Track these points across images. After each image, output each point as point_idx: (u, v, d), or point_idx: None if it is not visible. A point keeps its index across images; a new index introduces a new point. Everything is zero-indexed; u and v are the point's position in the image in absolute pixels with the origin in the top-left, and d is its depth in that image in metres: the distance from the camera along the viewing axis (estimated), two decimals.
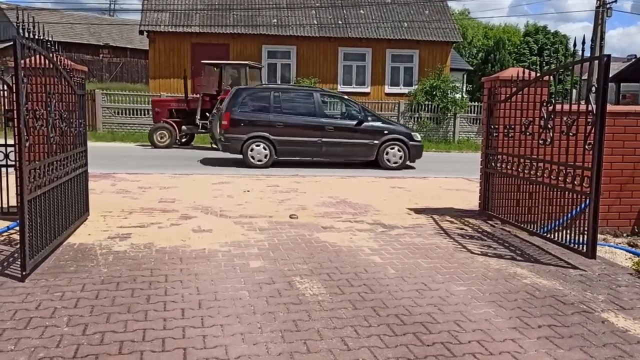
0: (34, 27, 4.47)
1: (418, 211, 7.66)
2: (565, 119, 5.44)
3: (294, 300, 4.10)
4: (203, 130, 17.13)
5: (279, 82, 23.81)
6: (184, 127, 17.27)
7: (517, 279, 4.79)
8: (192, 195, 8.41)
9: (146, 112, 21.36)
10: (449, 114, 22.99)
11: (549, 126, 5.68)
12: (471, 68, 35.13)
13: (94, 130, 20.85)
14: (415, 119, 22.94)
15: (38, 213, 4.56)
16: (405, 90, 23.97)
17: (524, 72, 6.37)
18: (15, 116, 4.14)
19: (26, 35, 4.38)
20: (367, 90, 24.26)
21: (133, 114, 21.65)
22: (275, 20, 23.87)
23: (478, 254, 5.52)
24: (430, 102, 22.81)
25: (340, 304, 4.06)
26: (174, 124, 17.15)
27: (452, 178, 11.56)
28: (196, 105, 17.21)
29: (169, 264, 4.86)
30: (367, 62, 24.34)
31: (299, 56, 23.84)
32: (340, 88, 23.98)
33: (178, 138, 17.42)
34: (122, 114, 21.63)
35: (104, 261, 4.87)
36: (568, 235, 5.45)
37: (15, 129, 4.16)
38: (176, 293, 4.17)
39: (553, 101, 5.77)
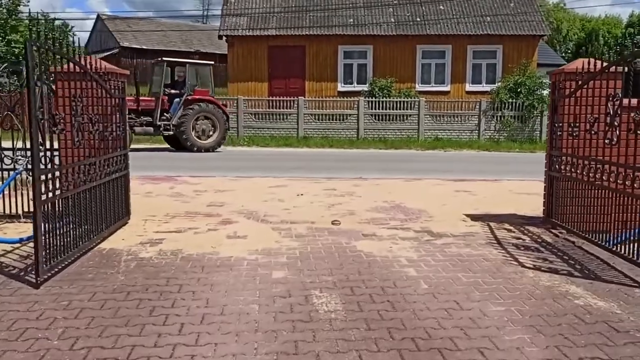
0: (63, 36, 4.44)
1: (476, 218, 7.07)
2: (633, 114, 4.72)
3: (304, 317, 3.77)
4: (164, 132, 16.82)
5: (355, 83, 23.53)
6: (136, 129, 16.31)
7: (568, 298, 4.18)
8: (243, 199, 8.28)
9: None
10: (535, 112, 21.68)
11: (615, 123, 4.97)
12: (565, 63, 33.06)
13: None
14: (498, 118, 21.84)
15: (57, 217, 4.53)
16: (487, 88, 22.87)
17: (589, 63, 5.65)
18: (28, 120, 4.11)
19: (42, 40, 4.35)
20: (447, 89, 23.39)
21: None
22: (351, 20, 23.57)
23: (529, 268, 4.92)
24: (514, 100, 21.62)
25: (353, 324, 3.68)
26: None
27: (529, 181, 10.70)
28: (151, 106, 16.71)
29: (189, 273, 4.68)
30: (447, 60, 23.47)
31: (375, 56, 23.39)
32: (418, 87, 23.30)
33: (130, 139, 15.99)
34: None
35: (125, 268, 4.77)
36: (638, 249, 4.74)
37: (28, 132, 4.14)
38: (183, 305, 3.96)
39: (620, 95, 5.05)
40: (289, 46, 23.22)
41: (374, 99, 21.99)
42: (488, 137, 21.82)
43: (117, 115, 6.06)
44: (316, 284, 4.46)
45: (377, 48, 23.39)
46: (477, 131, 21.89)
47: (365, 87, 22.80)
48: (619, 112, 4.96)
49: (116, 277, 4.55)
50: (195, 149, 16.84)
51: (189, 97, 17.00)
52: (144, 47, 46.37)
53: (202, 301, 4.04)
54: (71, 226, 4.80)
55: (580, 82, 5.76)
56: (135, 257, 5.11)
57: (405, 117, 21.89)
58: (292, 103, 21.91)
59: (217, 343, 3.36)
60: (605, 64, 5.39)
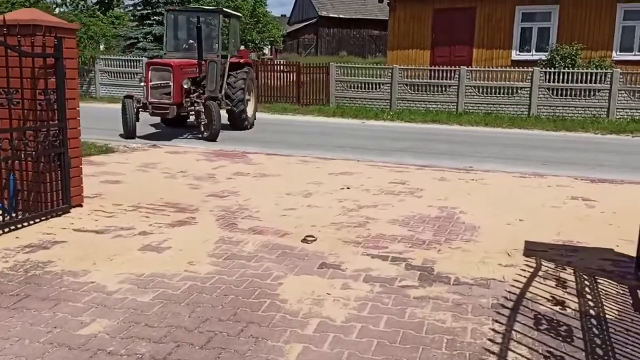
0: None
1: (536, 250, 4.63)
2: None
3: None
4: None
5: (533, 51, 19.96)
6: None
7: None
8: (267, 189, 6.75)
9: (378, 86, 20.14)
10: None
11: None
12: None
13: (327, 104, 20.51)
14: None
15: None
16: None
17: None
18: None
19: None
20: None
21: (366, 88, 20.62)
22: None
23: None
24: None
25: None
26: None
27: None
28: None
29: None
30: None
31: (561, 18, 19.41)
32: (616, 56, 18.87)
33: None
34: (355, 88, 20.79)
35: None
36: None
37: None
38: None
39: None
40: (457, 9, 20.42)
41: (553, 69, 18.32)
42: None
43: (46, 81, 4.98)
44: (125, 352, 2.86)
45: (565, 9, 19.38)
46: None
47: (543, 56, 19.11)
48: None
49: None
50: (249, 126, 13.27)
51: (235, 60, 12.98)
52: (342, 16, 46.22)
53: None
54: None
55: None
56: None
57: (592, 92, 17.83)
58: (452, 73, 19.31)
59: None
60: None
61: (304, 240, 4.72)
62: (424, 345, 3.05)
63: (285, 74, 21.39)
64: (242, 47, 13.16)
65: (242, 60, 13.35)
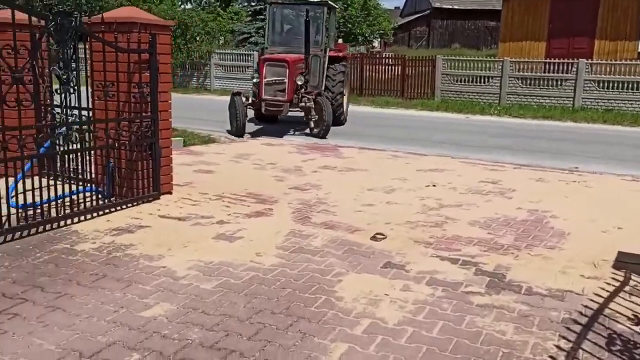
0: None
1: (633, 261, 4.22)
2: None
3: None
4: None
5: None
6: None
7: None
8: (352, 182, 6.74)
9: (487, 80, 19.37)
10: None
11: None
12: None
13: (431, 98, 20.06)
14: None
15: None
16: None
17: None
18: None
19: None
20: None
21: (473, 82, 19.90)
22: None
23: None
24: None
25: None
26: None
27: None
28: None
29: (82, 275, 3.69)
30: None
31: None
32: None
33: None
34: (461, 82, 20.12)
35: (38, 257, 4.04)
36: None
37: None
38: None
39: None
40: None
41: None
42: None
43: (140, 75, 5.30)
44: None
45: None
46: None
47: None
48: None
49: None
50: (344, 120, 12.94)
51: (333, 54, 12.68)
52: (456, 7, 44.86)
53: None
54: None
55: None
56: (74, 245, 4.33)
57: None
58: (569, 67, 18.09)
59: None
60: None
61: (373, 238, 4.65)
62: (476, 356, 2.90)
63: (390, 67, 21.17)
64: (340, 40, 12.91)
65: (341, 54, 13.25)
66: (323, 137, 10.88)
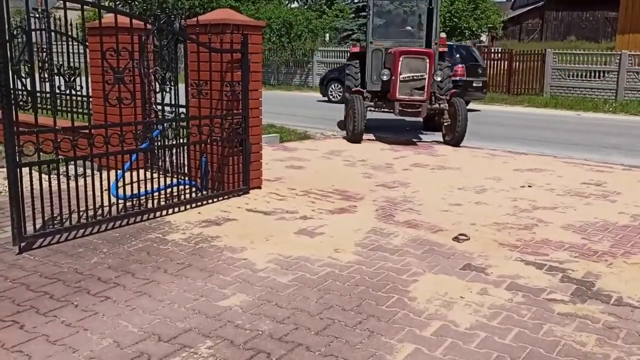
0: None
1: None
2: None
3: None
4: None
5: None
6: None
7: None
8: (442, 181, 6.60)
9: (602, 74, 18.17)
10: None
11: None
12: None
13: (540, 94, 19.11)
14: None
15: None
16: None
17: None
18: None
19: None
20: None
21: (587, 77, 18.72)
22: None
23: None
24: None
25: None
26: None
27: None
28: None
29: (162, 263, 3.93)
30: None
31: None
32: None
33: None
34: (574, 77, 19.00)
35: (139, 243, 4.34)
36: None
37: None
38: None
39: None
40: None
41: None
42: None
43: (232, 74, 5.52)
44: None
45: None
46: None
47: None
48: None
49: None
50: None
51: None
52: None
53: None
54: None
55: None
56: (165, 234, 4.60)
57: None
58: None
59: None
60: None
61: (455, 239, 4.54)
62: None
63: (496, 62, 20.44)
64: (442, 35, 12.25)
65: (445, 49, 12.64)
66: (456, 145, 9.53)
